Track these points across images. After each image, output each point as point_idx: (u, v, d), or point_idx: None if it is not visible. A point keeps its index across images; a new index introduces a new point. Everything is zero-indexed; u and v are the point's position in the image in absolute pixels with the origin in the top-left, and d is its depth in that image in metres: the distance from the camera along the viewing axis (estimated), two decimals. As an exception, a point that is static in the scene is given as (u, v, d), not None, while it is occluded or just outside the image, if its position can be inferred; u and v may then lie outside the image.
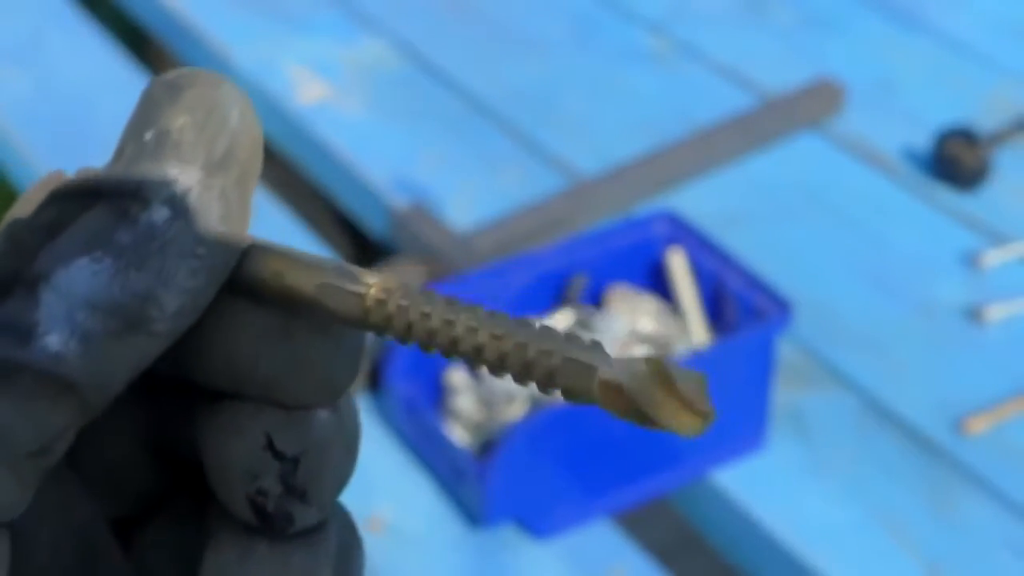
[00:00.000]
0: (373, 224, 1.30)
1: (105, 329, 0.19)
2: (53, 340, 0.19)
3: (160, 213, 0.20)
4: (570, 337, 0.20)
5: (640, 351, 1.03)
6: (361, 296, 0.21)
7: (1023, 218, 1.25)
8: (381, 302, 0.21)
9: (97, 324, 0.19)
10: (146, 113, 0.21)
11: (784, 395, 1.06)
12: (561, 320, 1.05)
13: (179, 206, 0.20)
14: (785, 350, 1.09)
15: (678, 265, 1.05)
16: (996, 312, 1.13)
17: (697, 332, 1.04)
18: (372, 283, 0.21)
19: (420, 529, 0.97)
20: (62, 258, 0.20)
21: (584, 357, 0.20)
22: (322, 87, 1.42)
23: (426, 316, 0.20)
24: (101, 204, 0.20)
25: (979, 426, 1.03)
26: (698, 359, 0.95)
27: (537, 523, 0.96)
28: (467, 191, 1.27)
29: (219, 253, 0.21)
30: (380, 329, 0.21)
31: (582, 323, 1.05)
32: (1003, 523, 0.97)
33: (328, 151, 1.34)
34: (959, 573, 0.94)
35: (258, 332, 0.21)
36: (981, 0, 1.56)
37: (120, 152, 0.21)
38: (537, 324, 0.20)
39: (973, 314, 1.14)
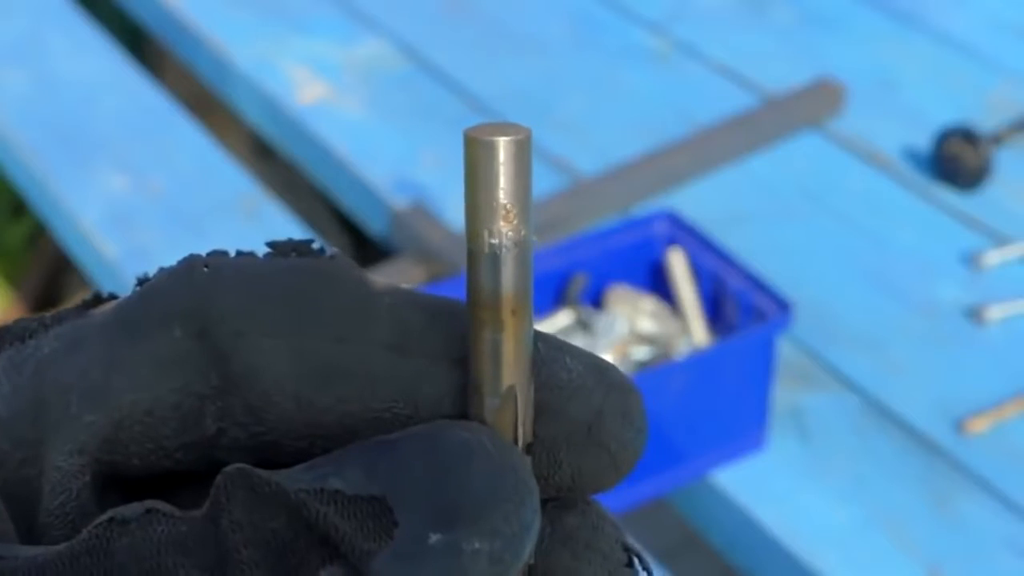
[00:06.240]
0: (373, 224, 1.30)
1: None
2: None
3: None
4: None
5: (640, 351, 1.03)
6: None
7: (1023, 218, 1.25)
8: None
9: None
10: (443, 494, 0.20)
11: (784, 395, 1.06)
12: (561, 320, 1.05)
13: None
14: (785, 350, 1.09)
15: (678, 265, 1.05)
16: (996, 312, 1.13)
17: (697, 332, 1.04)
18: None
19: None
20: None
21: None
22: (322, 87, 1.42)
23: None
24: (341, 567, 0.19)
25: (979, 426, 1.03)
26: (698, 359, 0.95)
27: (537, 523, 0.96)
28: (467, 191, 1.27)
29: None
30: None
31: (582, 323, 1.05)
32: (1003, 523, 0.97)
33: (328, 151, 1.34)
34: (959, 573, 0.94)
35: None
36: (981, 0, 1.56)
37: (391, 506, 0.20)
38: None
39: (973, 314, 1.14)
